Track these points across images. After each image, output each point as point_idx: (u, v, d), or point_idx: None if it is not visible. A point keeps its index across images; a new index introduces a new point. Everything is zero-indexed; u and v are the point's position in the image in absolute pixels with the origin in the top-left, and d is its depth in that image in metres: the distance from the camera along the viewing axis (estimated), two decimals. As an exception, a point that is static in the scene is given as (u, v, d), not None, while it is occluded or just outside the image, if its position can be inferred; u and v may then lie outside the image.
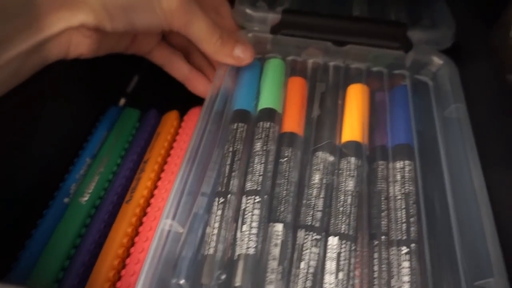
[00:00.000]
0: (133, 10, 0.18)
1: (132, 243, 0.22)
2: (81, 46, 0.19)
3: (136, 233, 0.22)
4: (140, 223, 0.22)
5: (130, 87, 0.32)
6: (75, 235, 0.21)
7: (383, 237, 0.20)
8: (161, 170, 0.24)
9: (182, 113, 0.27)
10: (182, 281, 0.16)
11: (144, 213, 0.23)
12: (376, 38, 0.25)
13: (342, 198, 0.20)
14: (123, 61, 0.32)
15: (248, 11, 0.26)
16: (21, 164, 0.22)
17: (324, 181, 0.21)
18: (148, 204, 0.23)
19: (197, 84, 0.26)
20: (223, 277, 0.17)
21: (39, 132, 0.23)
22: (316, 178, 0.21)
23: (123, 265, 0.21)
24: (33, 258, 0.20)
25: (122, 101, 0.30)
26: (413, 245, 0.19)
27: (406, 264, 0.18)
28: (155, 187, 0.24)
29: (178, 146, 0.25)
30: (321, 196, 0.20)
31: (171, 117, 0.26)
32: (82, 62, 0.26)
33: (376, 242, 0.19)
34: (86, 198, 0.22)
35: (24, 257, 0.20)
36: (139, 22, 0.19)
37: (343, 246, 0.19)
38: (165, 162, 0.25)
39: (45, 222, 0.22)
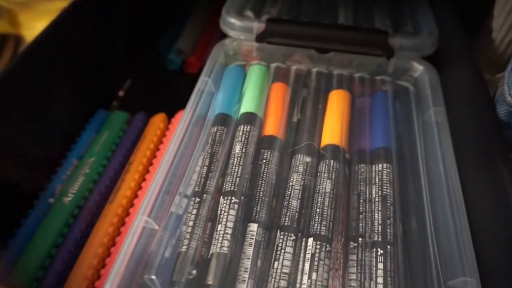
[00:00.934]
0: None
1: (113, 243, 0.22)
2: None
3: (117, 233, 0.22)
4: (122, 223, 0.23)
5: (122, 91, 0.32)
6: (57, 234, 0.21)
7: (360, 239, 0.20)
8: (146, 171, 0.25)
9: (172, 117, 0.28)
10: (153, 277, 0.16)
11: (126, 214, 0.23)
12: (358, 46, 0.26)
13: (320, 200, 0.20)
14: (116, 65, 0.33)
15: (234, 20, 0.27)
16: (8, 163, 0.23)
17: (302, 182, 0.21)
18: (131, 204, 0.23)
19: None
20: (194, 272, 0.17)
21: (28, 132, 0.24)
22: (294, 179, 0.21)
23: (103, 265, 0.21)
24: (15, 256, 0.21)
25: (114, 104, 0.31)
26: (388, 247, 0.19)
27: (380, 265, 0.18)
28: (139, 188, 0.24)
29: (164, 148, 0.25)
30: (298, 197, 0.20)
31: (158, 120, 0.27)
32: (76, 65, 0.28)
33: (352, 244, 0.19)
34: (69, 198, 0.23)
35: (6, 255, 0.21)
36: None
37: (318, 247, 0.19)
38: (150, 163, 0.25)
39: (29, 222, 0.22)
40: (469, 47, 0.26)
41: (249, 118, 0.23)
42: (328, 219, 0.20)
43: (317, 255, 0.19)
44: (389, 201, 0.20)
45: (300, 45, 0.26)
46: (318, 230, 0.19)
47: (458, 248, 0.17)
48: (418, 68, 0.25)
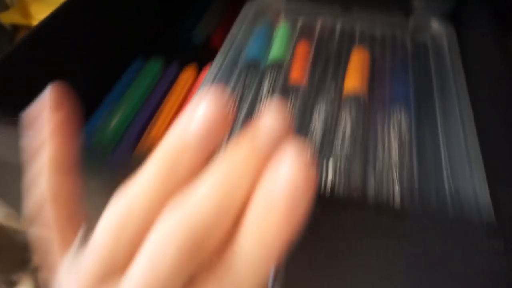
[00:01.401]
0: None
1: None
2: None
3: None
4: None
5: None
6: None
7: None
8: (178, 114, 0.27)
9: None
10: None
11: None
12: (379, 3, 0.27)
13: (341, 132, 0.22)
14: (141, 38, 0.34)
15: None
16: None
17: (323, 126, 0.23)
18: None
19: None
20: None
21: (84, 68, 0.26)
22: (316, 125, 0.23)
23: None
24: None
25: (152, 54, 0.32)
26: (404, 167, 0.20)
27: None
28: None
29: (194, 93, 0.27)
30: (321, 128, 0.22)
31: (191, 69, 0.29)
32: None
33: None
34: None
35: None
36: None
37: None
38: (182, 107, 0.27)
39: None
40: (490, 10, 0.27)
41: (277, 66, 0.25)
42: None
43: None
44: (406, 146, 0.22)
45: (325, 2, 0.28)
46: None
47: (472, 183, 0.19)
48: (437, 26, 0.26)
